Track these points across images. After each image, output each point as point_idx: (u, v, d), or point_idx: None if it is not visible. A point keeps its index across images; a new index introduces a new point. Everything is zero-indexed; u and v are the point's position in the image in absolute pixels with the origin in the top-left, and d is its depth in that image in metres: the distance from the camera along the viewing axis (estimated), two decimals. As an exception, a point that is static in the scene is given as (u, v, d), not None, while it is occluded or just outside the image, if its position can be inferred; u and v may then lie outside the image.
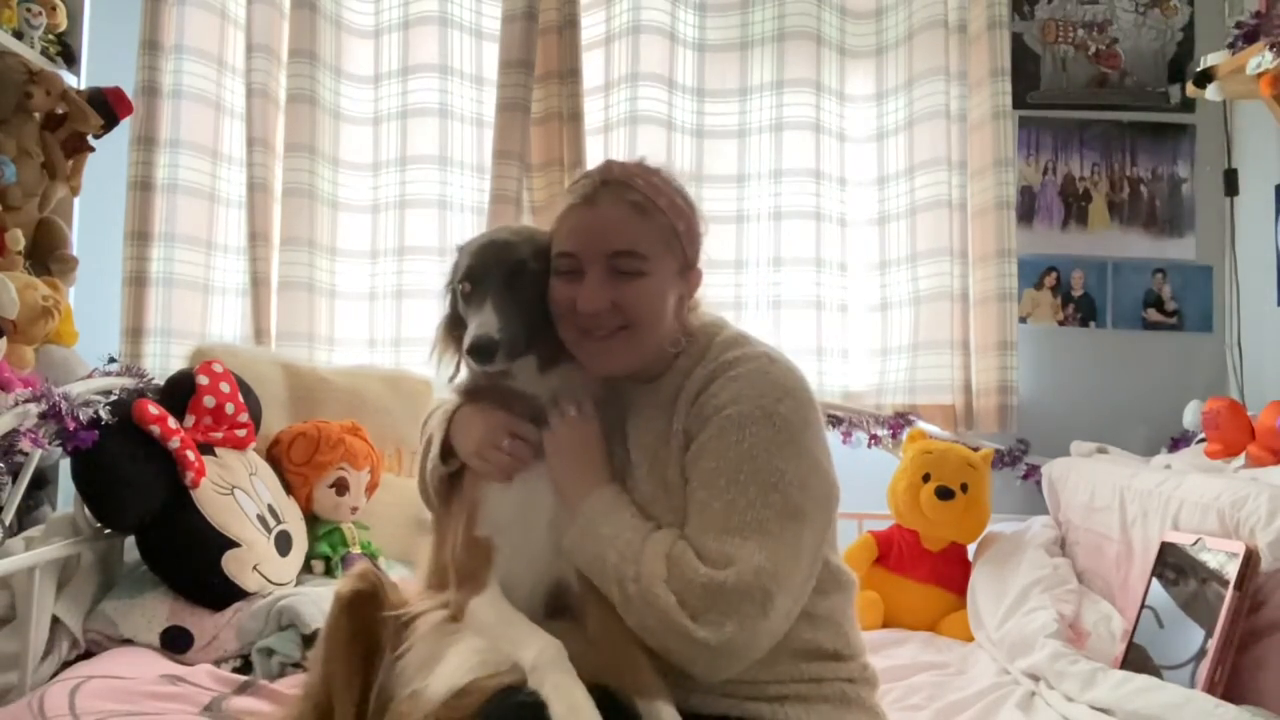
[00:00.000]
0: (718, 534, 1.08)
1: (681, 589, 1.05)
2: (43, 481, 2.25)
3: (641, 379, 1.24)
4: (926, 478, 2.28)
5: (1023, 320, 2.81)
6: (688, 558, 1.07)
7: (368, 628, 1.22)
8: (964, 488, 2.27)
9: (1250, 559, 1.53)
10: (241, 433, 2.04)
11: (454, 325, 1.23)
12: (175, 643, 1.75)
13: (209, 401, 1.97)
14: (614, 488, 1.17)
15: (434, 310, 2.91)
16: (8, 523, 1.73)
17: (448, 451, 1.25)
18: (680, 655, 1.07)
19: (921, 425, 2.63)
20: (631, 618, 1.08)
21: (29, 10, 2.43)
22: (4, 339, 2.06)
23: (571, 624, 1.15)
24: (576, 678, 1.03)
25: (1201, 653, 1.53)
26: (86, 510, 1.82)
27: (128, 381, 1.98)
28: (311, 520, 2.15)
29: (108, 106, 2.44)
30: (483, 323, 1.12)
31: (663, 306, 1.19)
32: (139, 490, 1.78)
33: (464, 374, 1.26)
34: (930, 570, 2.30)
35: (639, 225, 1.17)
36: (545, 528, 1.18)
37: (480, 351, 1.10)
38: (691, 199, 1.24)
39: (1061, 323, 2.87)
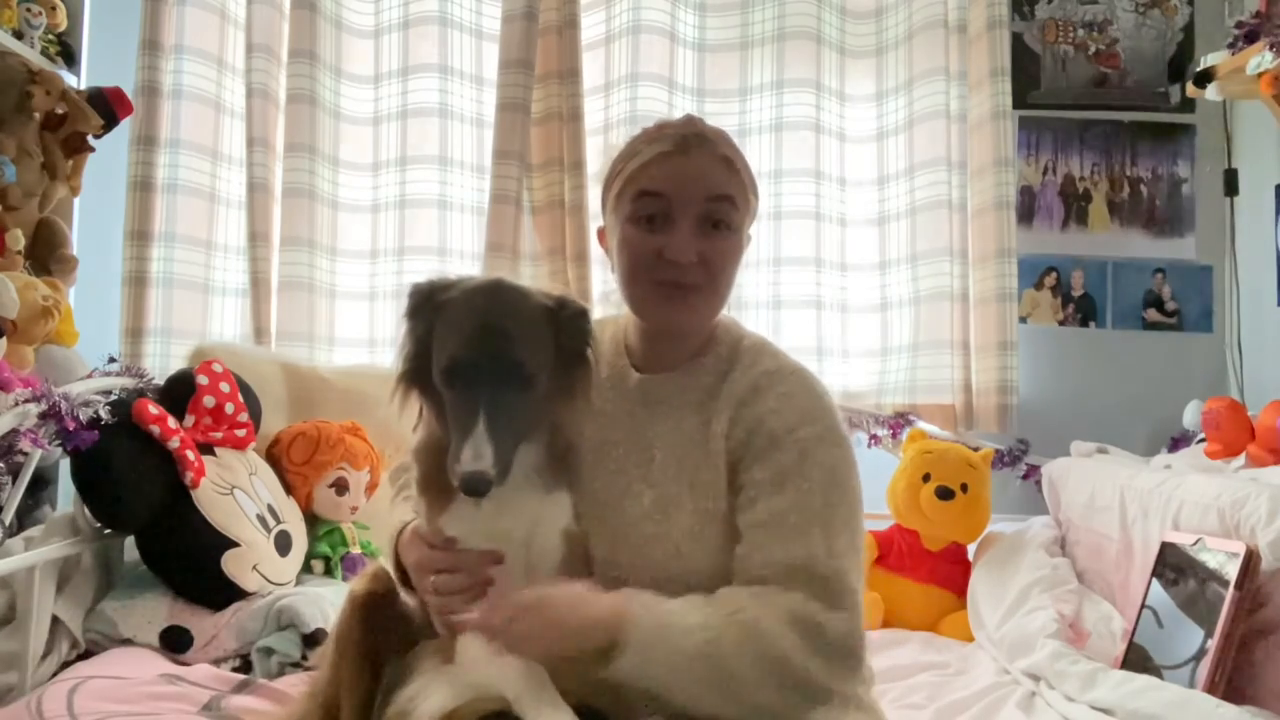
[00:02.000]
0: (826, 557, 1.08)
1: (823, 650, 1.04)
2: (43, 481, 2.25)
3: (654, 364, 1.23)
4: (926, 478, 2.28)
5: (1023, 320, 2.81)
6: (808, 613, 1.04)
7: (380, 629, 1.21)
8: (964, 488, 2.26)
9: (1250, 559, 1.53)
10: (241, 433, 2.04)
11: (417, 375, 1.09)
12: (175, 643, 1.75)
13: (209, 401, 1.97)
14: (626, 606, 1.02)
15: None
16: (8, 523, 1.73)
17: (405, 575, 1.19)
18: (808, 709, 1.06)
19: (921, 425, 2.63)
20: (764, 700, 1.03)
21: (29, 10, 2.43)
22: (4, 339, 2.06)
23: None
24: (561, 702, 1.01)
25: (1201, 653, 1.53)
26: (86, 510, 1.81)
27: (128, 381, 1.97)
28: (311, 520, 2.15)
29: (108, 106, 2.44)
30: (476, 454, 0.96)
31: (736, 269, 1.20)
32: (139, 490, 1.78)
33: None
34: (930, 570, 2.30)
35: (731, 177, 1.17)
36: (522, 551, 1.12)
37: (474, 490, 0.97)
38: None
39: (1061, 323, 2.87)
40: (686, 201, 1.14)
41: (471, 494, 0.97)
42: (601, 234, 1.27)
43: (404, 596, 1.21)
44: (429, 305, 1.07)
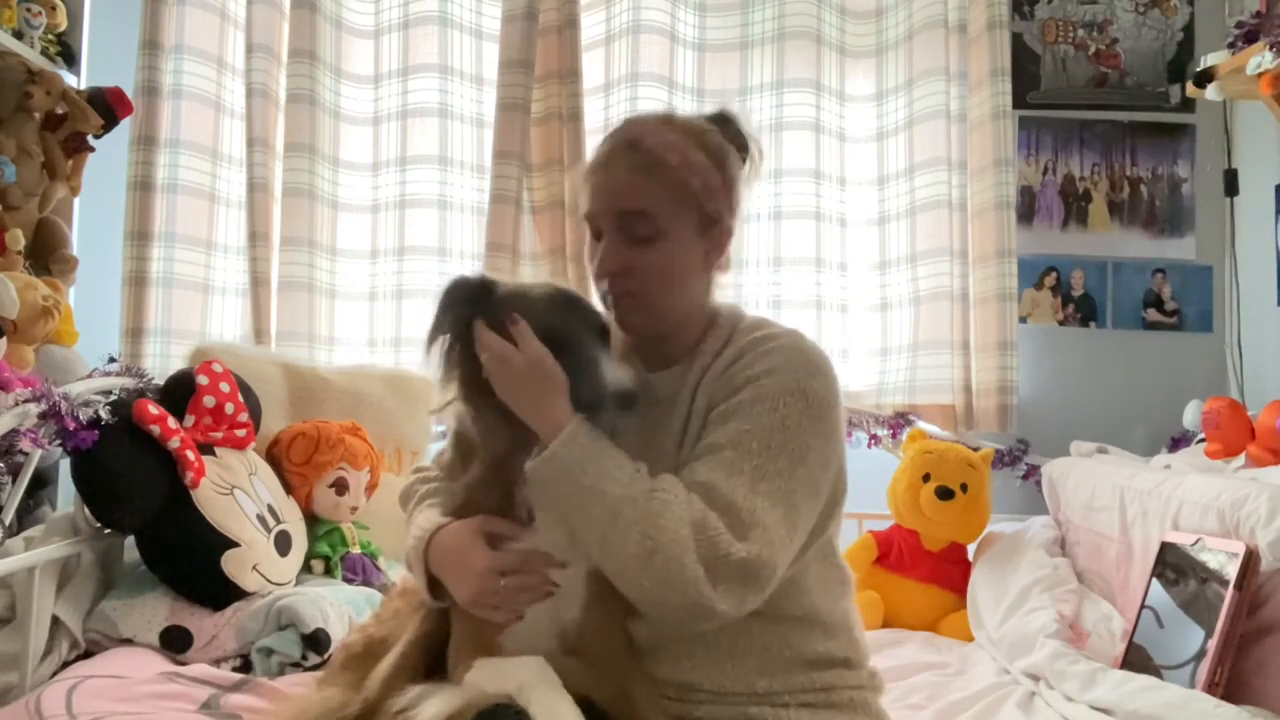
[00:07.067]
0: (747, 493, 1.05)
1: (712, 561, 1.00)
2: (43, 481, 2.25)
3: (660, 361, 1.23)
4: (926, 478, 2.28)
5: (1023, 320, 2.81)
6: (711, 522, 1.02)
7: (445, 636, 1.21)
8: (964, 488, 2.27)
9: (1250, 559, 1.53)
10: (241, 433, 2.04)
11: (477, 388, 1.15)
12: (175, 642, 1.75)
13: (209, 401, 1.97)
14: (587, 425, 1.08)
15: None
16: (8, 523, 1.73)
17: (434, 585, 1.18)
18: (678, 613, 1.04)
19: (921, 425, 2.63)
20: (631, 576, 1.03)
21: (29, 10, 2.43)
22: (4, 339, 2.06)
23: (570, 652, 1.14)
24: (563, 691, 1.02)
25: (1201, 653, 1.53)
26: (86, 510, 1.81)
27: (128, 381, 1.97)
28: (311, 520, 2.15)
29: (108, 106, 2.44)
30: (616, 373, 1.10)
31: (678, 271, 1.18)
32: (139, 490, 1.78)
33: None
34: (930, 570, 2.30)
35: (645, 186, 1.15)
36: (584, 566, 1.13)
37: (629, 403, 1.10)
38: (720, 149, 1.19)
39: (1061, 323, 2.87)
40: (604, 218, 1.18)
41: (627, 407, 1.09)
42: None
43: (429, 603, 1.20)
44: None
